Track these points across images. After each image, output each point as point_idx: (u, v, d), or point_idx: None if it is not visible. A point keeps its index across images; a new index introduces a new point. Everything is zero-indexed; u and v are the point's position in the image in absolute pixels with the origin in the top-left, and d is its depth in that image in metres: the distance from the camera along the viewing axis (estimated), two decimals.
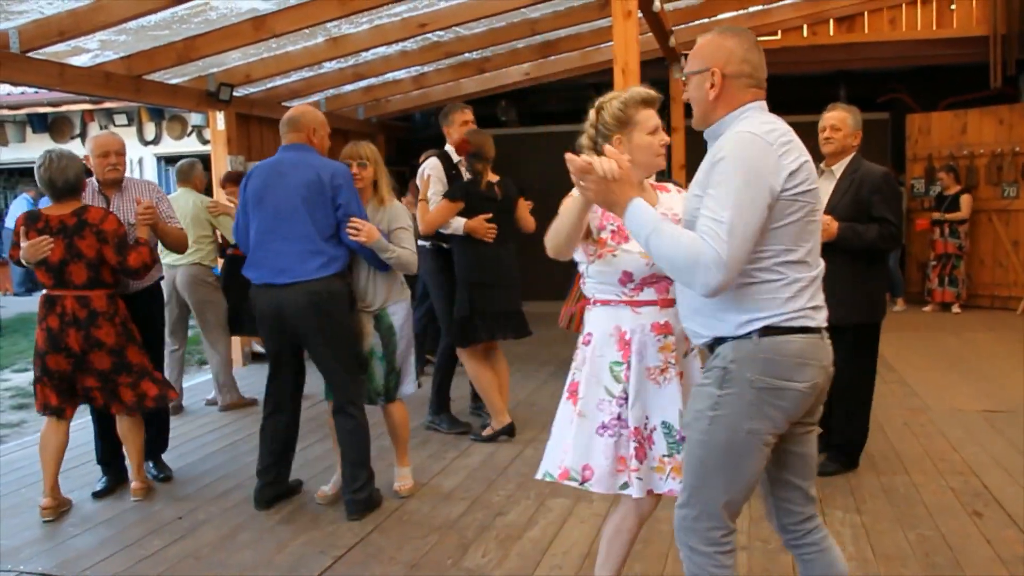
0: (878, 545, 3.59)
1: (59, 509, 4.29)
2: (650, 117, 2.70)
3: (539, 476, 2.84)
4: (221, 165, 7.57)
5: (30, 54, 5.24)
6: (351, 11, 5.74)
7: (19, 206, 13.83)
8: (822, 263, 2.33)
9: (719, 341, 2.30)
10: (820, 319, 2.30)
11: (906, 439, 5.04)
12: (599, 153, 2.60)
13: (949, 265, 9.83)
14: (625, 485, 2.71)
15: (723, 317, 2.26)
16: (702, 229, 2.13)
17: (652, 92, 2.74)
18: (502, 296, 5.17)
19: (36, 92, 10.94)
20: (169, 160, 13.03)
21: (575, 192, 2.40)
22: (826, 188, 4.26)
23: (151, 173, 12.96)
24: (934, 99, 10.81)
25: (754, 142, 2.17)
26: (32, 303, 11.87)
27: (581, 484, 2.73)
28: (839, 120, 4.29)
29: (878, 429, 5.07)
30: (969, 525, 3.77)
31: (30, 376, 8.03)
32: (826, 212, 4.07)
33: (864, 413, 4.51)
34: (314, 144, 4.13)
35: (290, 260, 3.98)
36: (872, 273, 4.36)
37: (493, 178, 5.22)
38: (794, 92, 10.68)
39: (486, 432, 5.33)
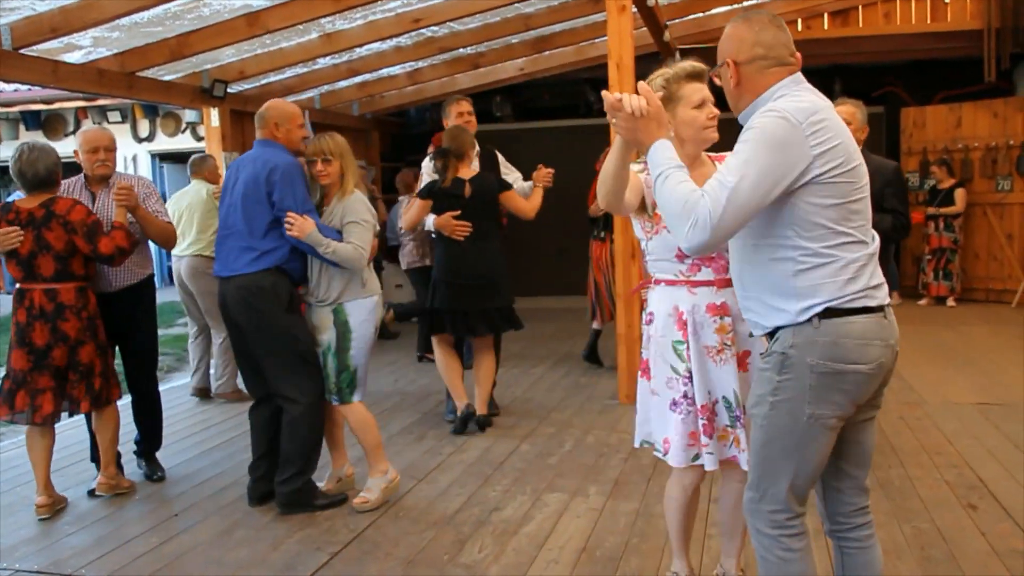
0: None
1: (55, 506, 4.27)
2: (696, 91, 2.71)
3: (636, 444, 3.00)
4: (217, 162, 7.55)
5: (22, 51, 5.22)
6: (345, 7, 5.72)
7: None
8: (877, 238, 2.30)
9: (779, 328, 2.29)
10: (881, 297, 2.27)
11: (901, 433, 5.04)
12: None
13: (944, 259, 9.85)
14: (696, 456, 2.82)
15: (783, 307, 2.24)
16: (706, 186, 2.13)
17: (699, 65, 2.74)
18: (470, 294, 5.15)
19: (29, 89, 10.91)
20: (163, 157, 13.03)
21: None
22: None
23: (145, 170, 12.94)
24: (929, 93, 10.82)
25: (780, 119, 2.15)
26: None
27: (664, 455, 2.88)
28: (848, 114, 4.22)
29: None
30: (964, 518, 3.78)
31: None
32: None
33: None
34: (278, 138, 4.14)
35: (230, 255, 4.09)
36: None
37: (467, 174, 5.19)
38: None
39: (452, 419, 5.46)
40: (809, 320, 2.20)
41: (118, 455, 4.59)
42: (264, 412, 4.25)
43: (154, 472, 4.77)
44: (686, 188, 2.14)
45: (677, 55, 9.93)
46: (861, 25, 10.03)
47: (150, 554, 3.74)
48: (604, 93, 2.27)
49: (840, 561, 2.48)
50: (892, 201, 4.27)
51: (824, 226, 2.18)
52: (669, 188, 2.16)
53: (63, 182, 4.41)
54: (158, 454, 4.87)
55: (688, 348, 2.77)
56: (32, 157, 4.17)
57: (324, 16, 5.92)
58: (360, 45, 7.06)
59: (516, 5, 6.80)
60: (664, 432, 2.86)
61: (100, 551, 3.79)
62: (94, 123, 12.49)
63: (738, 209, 2.09)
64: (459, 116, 5.44)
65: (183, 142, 12.54)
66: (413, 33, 7.12)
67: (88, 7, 4.91)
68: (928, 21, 9.84)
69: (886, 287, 2.30)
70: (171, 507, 4.32)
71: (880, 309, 2.26)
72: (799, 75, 2.31)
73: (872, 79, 10.92)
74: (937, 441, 4.89)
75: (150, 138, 12.69)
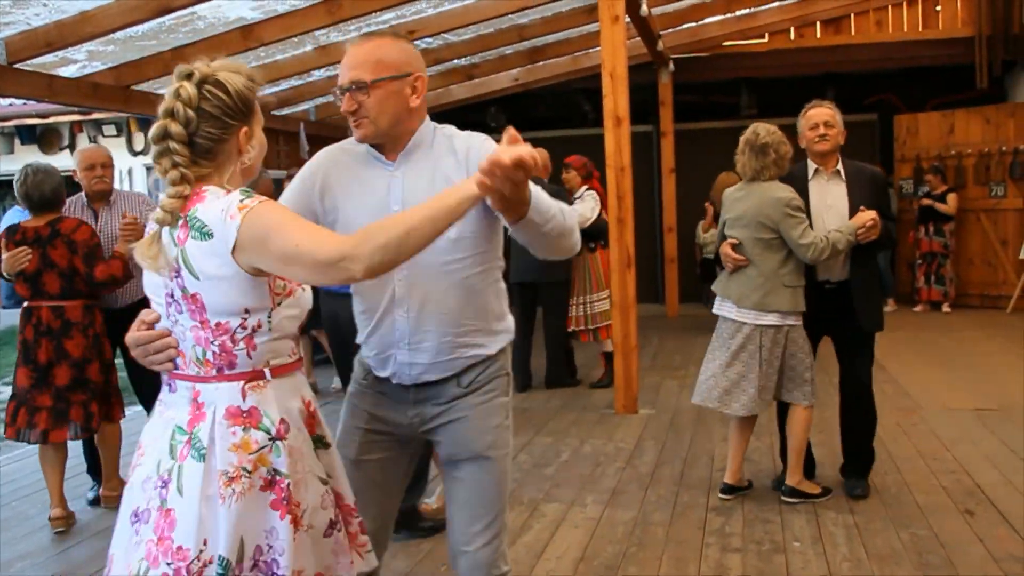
0: (871, 545, 3.60)
1: (68, 521, 4.27)
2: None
3: None
4: None
5: (17, 65, 5.22)
6: (339, 19, 5.74)
7: (13, 218, 13.79)
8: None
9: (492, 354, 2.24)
10: None
11: (898, 439, 5.05)
12: (196, 146, 1.83)
13: (935, 263, 9.87)
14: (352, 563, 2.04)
15: (500, 328, 2.26)
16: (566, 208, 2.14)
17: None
18: None
19: (24, 104, 10.90)
20: None
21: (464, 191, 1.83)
22: (834, 191, 4.03)
23: (141, 183, 12.93)
24: (921, 100, 10.86)
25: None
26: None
27: None
28: (831, 116, 4.03)
29: None
30: (961, 524, 3.79)
31: None
32: (851, 216, 3.93)
33: (875, 421, 4.27)
34: None
35: None
36: (879, 278, 4.18)
37: None
38: (781, 95, 10.73)
39: None
40: None
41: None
42: None
43: None
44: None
45: (671, 64, 9.99)
46: (853, 33, 10.12)
47: None
48: (519, 157, 1.80)
49: None
50: (888, 208, 4.13)
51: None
52: (566, 208, 2.15)
53: (67, 201, 4.50)
54: None
55: (319, 444, 1.99)
56: (37, 180, 4.25)
57: (318, 28, 5.93)
58: None
59: (510, 16, 6.83)
60: (315, 568, 1.90)
61: (99, 564, 3.77)
62: (89, 137, 12.47)
63: None
64: None
65: None
66: None
67: (83, 21, 4.92)
68: (920, 29, 9.93)
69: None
70: None
71: None
72: None
73: (865, 87, 10.98)
74: (934, 447, 4.90)
75: (145, 151, 12.65)
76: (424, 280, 2.10)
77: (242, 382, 1.82)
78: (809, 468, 4.27)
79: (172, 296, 1.82)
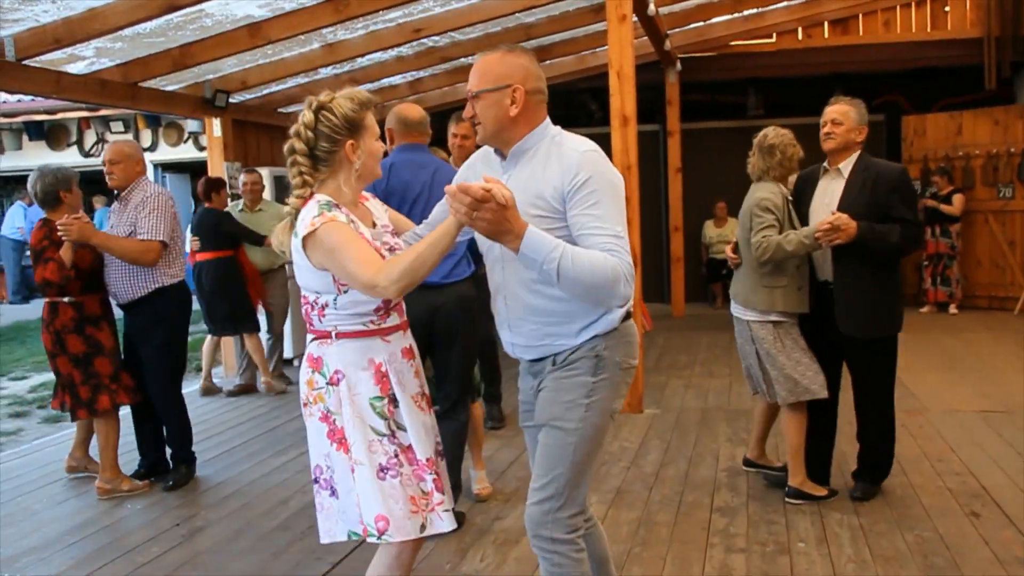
0: (876, 547, 3.59)
1: (77, 467, 4.88)
2: (374, 121, 2.52)
3: (334, 539, 2.49)
4: (218, 172, 7.57)
5: (26, 62, 5.24)
6: (346, 17, 5.74)
7: (14, 214, 13.85)
8: None
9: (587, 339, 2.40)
10: None
11: (904, 440, 5.02)
12: (317, 158, 2.44)
13: (941, 265, 9.84)
14: (423, 527, 2.48)
15: (603, 316, 2.38)
16: (606, 245, 2.19)
17: (369, 95, 2.55)
18: None
19: (32, 100, 10.94)
20: (166, 167, 13.04)
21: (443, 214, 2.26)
22: (834, 189, 3.96)
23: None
24: (929, 101, 10.83)
25: (603, 158, 2.33)
26: (27, 311, 11.81)
27: (379, 537, 2.41)
28: (840, 113, 3.95)
29: None
30: (967, 526, 3.77)
31: (27, 384, 8.06)
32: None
33: (892, 428, 4.24)
34: (424, 143, 4.06)
35: (445, 260, 3.42)
36: (888, 280, 4.01)
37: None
38: (789, 95, 10.74)
39: None
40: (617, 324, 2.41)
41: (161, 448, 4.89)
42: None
43: (165, 481, 4.75)
44: (598, 256, 2.16)
45: (678, 64, 9.98)
46: (861, 34, 10.09)
47: (152, 563, 3.74)
48: (463, 186, 2.06)
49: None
50: (900, 209, 3.88)
51: None
52: (585, 264, 2.14)
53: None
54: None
55: (389, 402, 2.48)
56: (32, 180, 4.54)
57: (325, 26, 5.93)
58: (361, 55, 7.08)
59: (517, 15, 6.82)
60: (375, 509, 2.40)
61: (101, 560, 3.79)
62: (96, 133, 12.51)
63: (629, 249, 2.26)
64: (453, 137, 4.92)
65: (185, 152, 12.55)
66: (414, 43, 7.14)
67: (91, 18, 4.93)
68: (928, 29, 9.89)
69: None
70: (173, 516, 4.31)
71: None
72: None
73: (872, 87, 10.93)
74: (939, 448, 4.88)
75: (152, 148, 12.69)
76: (514, 279, 2.41)
77: (314, 337, 2.50)
78: (823, 465, 4.25)
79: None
